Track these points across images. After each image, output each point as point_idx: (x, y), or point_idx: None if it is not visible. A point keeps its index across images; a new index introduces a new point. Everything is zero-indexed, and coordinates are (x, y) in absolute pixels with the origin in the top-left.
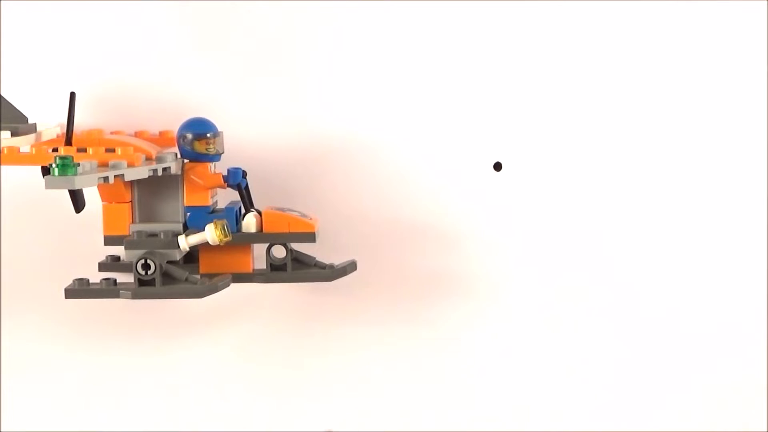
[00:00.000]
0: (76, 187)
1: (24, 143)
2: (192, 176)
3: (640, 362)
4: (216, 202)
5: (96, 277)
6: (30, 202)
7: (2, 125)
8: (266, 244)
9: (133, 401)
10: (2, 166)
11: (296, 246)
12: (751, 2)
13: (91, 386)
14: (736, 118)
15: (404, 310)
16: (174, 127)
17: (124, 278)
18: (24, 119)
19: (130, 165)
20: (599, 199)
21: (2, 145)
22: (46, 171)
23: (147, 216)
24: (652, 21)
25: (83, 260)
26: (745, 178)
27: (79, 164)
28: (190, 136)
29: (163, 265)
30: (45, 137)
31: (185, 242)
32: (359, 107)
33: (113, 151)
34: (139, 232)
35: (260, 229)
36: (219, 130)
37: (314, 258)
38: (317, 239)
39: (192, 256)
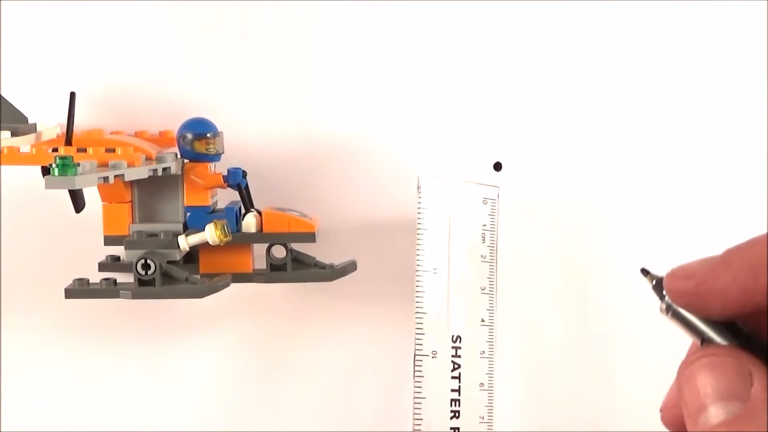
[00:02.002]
0: (76, 187)
1: (24, 143)
2: (192, 176)
3: (643, 363)
4: (216, 202)
5: (96, 277)
6: (30, 202)
7: (2, 125)
8: (266, 244)
9: (133, 401)
10: (2, 166)
11: (296, 246)
12: (751, 2)
13: (91, 386)
14: (736, 119)
15: (405, 310)
16: (174, 127)
17: (124, 278)
18: (24, 119)
19: (130, 165)
20: (600, 200)
21: (2, 145)
22: (46, 171)
23: (147, 216)
24: (652, 21)
25: (83, 260)
26: (748, 182)
27: (79, 164)
28: (190, 136)
29: (163, 265)
30: (45, 137)
31: (185, 242)
32: (360, 107)
33: (113, 151)
34: (139, 232)
35: (260, 229)
36: (219, 130)
37: (314, 258)
38: (317, 239)
39: (192, 256)
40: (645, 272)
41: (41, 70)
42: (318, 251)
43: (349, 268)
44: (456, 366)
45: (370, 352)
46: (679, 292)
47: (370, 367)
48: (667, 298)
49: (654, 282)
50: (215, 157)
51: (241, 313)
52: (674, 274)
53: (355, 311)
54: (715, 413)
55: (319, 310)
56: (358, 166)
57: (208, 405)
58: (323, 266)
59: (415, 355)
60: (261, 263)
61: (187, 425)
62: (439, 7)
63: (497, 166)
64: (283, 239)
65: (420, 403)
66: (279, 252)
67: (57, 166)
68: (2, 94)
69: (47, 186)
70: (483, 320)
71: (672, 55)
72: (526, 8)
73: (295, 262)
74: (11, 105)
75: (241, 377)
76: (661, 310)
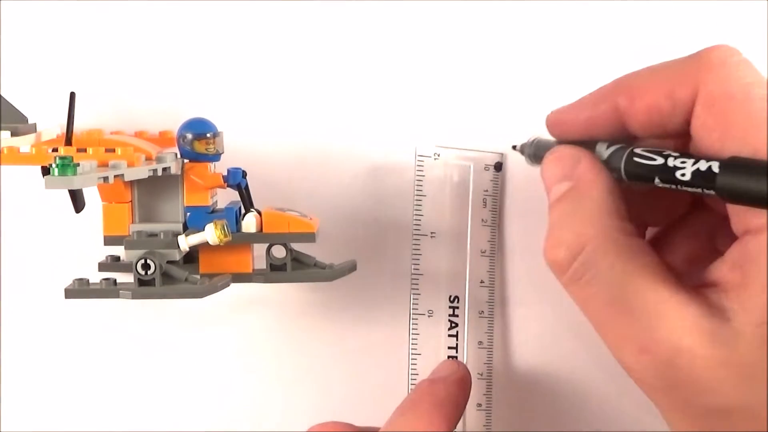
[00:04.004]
0: (76, 187)
1: (24, 143)
2: (192, 176)
3: None
4: (216, 202)
5: (96, 277)
6: (30, 202)
7: (2, 125)
8: (266, 244)
9: (133, 401)
10: (2, 166)
11: (296, 246)
12: (751, 2)
13: (91, 386)
14: None
15: (405, 310)
16: (174, 127)
17: (124, 278)
18: (24, 119)
19: (130, 165)
20: None
21: (2, 145)
22: (46, 171)
23: (147, 216)
24: (652, 20)
25: (83, 260)
26: None
27: (78, 164)
28: (189, 136)
29: (163, 265)
30: (45, 137)
31: (185, 242)
32: (360, 107)
33: (113, 151)
34: (139, 232)
35: (260, 229)
36: (219, 130)
37: (314, 258)
38: (317, 239)
39: (192, 256)
40: (514, 147)
41: (41, 70)
42: (318, 251)
43: (349, 268)
44: (453, 325)
45: (371, 352)
46: (552, 122)
47: (371, 368)
48: (526, 150)
49: (520, 147)
50: (215, 157)
51: (241, 313)
52: (551, 114)
53: (355, 311)
54: (554, 191)
55: (319, 310)
56: (359, 166)
57: (208, 405)
58: (323, 266)
59: (411, 314)
60: (261, 263)
61: (186, 425)
62: (440, 8)
63: (497, 167)
64: (283, 239)
65: (416, 359)
66: (279, 252)
67: (57, 166)
68: (2, 94)
69: (47, 186)
70: (482, 281)
71: (672, 55)
72: (527, 8)
73: (295, 262)
74: (11, 105)
75: (240, 376)
76: (527, 157)
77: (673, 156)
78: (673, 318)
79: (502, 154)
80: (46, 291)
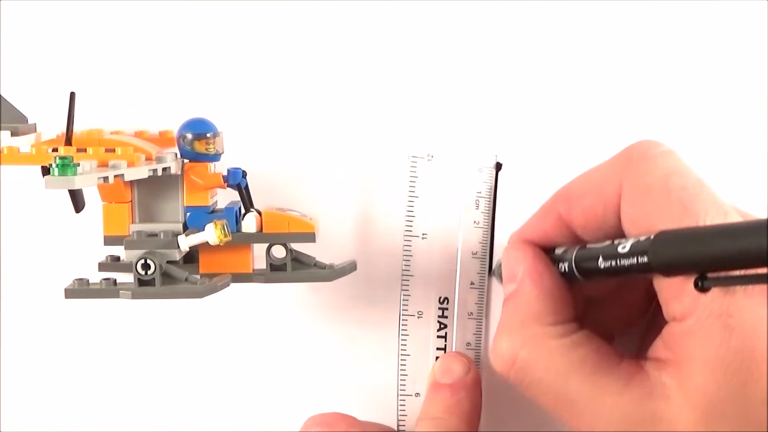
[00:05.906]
0: (76, 187)
1: (24, 143)
2: (192, 176)
3: None
4: (216, 202)
5: (96, 277)
6: (30, 202)
7: (2, 125)
8: (266, 244)
9: (133, 401)
10: (2, 166)
11: (296, 246)
12: (751, 2)
13: (91, 386)
14: (736, 119)
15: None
16: (174, 127)
17: (124, 278)
18: (24, 119)
19: (130, 165)
20: None
21: (2, 145)
22: (46, 171)
23: (147, 216)
24: (652, 20)
25: (83, 260)
26: (747, 180)
27: (78, 164)
28: (189, 136)
29: (163, 265)
30: (45, 137)
31: (185, 242)
32: (360, 106)
33: (113, 151)
34: (139, 232)
35: (260, 229)
36: (219, 130)
37: (314, 258)
38: (317, 239)
39: (192, 256)
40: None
41: (41, 70)
42: (318, 251)
43: (349, 268)
44: (442, 326)
45: (371, 352)
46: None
47: (370, 367)
48: (497, 271)
49: (494, 269)
50: (215, 157)
51: (241, 313)
52: (513, 235)
53: (355, 311)
54: (506, 290)
55: (319, 310)
56: (359, 166)
57: (207, 404)
58: (323, 266)
59: (400, 315)
60: (261, 263)
61: (186, 425)
62: (441, 8)
63: (497, 167)
64: (283, 239)
65: (405, 360)
66: (279, 252)
67: (57, 166)
68: (2, 94)
69: (47, 186)
70: (473, 283)
71: (672, 55)
72: (526, 7)
73: (294, 262)
74: (11, 105)
75: (240, 377)
76: (497, 278)
77: (620, 240)
78: (610, 405)
79: (496, 156)
80: (46, 291)
